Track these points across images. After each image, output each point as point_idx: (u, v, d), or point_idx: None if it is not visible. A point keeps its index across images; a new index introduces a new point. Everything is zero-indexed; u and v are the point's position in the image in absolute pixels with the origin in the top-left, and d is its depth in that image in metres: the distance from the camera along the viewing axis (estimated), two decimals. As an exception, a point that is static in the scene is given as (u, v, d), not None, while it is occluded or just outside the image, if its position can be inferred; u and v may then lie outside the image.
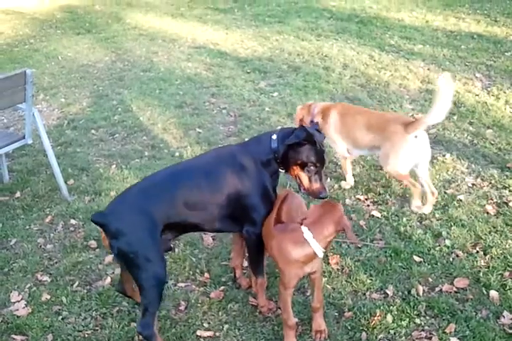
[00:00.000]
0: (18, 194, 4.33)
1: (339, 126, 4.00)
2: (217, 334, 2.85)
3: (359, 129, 3.88)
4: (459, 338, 2.70)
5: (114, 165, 4.77)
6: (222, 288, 3.18)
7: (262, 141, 2.87)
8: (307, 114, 4.17)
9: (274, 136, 2.83)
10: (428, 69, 6.86)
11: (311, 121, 4.01)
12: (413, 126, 3.56)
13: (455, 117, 5.37)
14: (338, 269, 3.27)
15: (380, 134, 3.73)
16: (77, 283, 3.29)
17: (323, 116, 4.06)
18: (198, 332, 2.86)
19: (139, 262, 2.54)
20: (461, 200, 3.91)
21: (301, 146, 2.75)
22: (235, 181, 2.75)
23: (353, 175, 4.27)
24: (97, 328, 2.94)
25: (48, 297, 3.18)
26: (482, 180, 4.21)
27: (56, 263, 3.50)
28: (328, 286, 3.12)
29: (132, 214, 2.59)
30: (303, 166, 2.79)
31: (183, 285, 3.24)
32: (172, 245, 3.06)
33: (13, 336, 2.91)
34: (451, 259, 3.30)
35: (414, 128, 3.56)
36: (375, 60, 7.30)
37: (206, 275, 3.30)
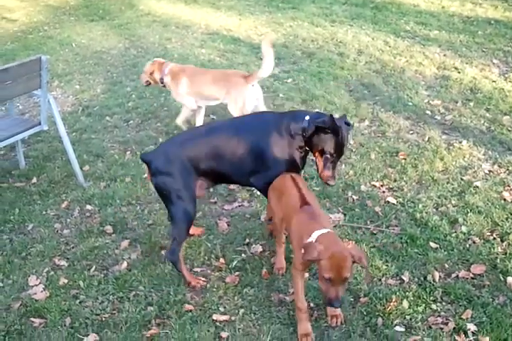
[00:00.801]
0: (34, 180, 4.36)
1: (189, 85, 4.70)
2: (232, 318, 2.87)
3: (206, 85, 4.63)
4: (475, 324, 2.68)
5: (128, 152, 4.79)
6: (237, 273, 3.19)
7: (297, 117, 3.09)
8: (158, 71, 4.79)
9: (307, 117, 3.02)
10: (444, 55, 6.77)
11: (161, 79, 4.76)
12: (250, 77, 4.45)
13: (471, 104, 5.31)
14: (353, 255, 3.26)
15: (226, 85, 4.53)
16: (94, 268, 3.32)
17: (173, 77, 4.74)
18: (214, 316, 2.87)
19: (172, 199, 3.00)
20: (477, 187, 3.88)
21: (325, 134, 2.94)
22: (263, 140, 3.04)
23: (369, 159, 4.27)
24: (114, 312, 2.97)
25: (66, 281, 3.21)
26: (499, 166, 4.17)
27: (73, 248, 3.53)
28: (343, 272, 3.12)
29: (171, 158, 3.01)
30: (322, 152, 2.98)
31: (198, 270, 3.25)
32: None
33: (32, 319, 2.95)
34: (467, 246, 3.28)
35: (251, 80, 4.44)
36: (390, 46, 7.22)
37: (221, 260, 3.31)
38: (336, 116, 3.08)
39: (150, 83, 4.95)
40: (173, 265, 3.12)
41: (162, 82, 4.81)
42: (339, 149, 2.98)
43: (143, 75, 4.96)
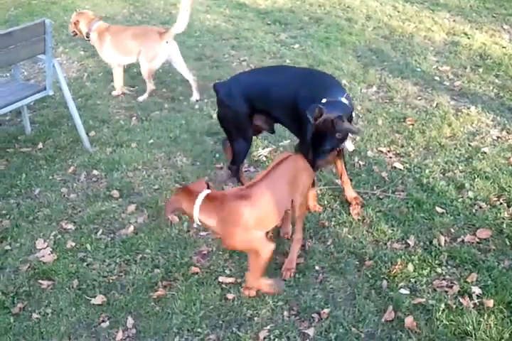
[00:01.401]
0: (40, 145, 4.36)
1: (112, 42, 4.93)
2: (238, 280, 2.89)
3: (126, 41, 4.87)
4: (480, 287, 2.70)
5: (134, 117, 4.76)
6: (243, 237, 3.20)
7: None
8: (86, 25, 5.01)
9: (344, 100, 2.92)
10: (454, 20, 6.65)
11: (87, 33, 5.01)
12: (165, 34, 4.77)
13: (481, 70, 5.24)
14: (359, 219, 3.27)
15: (144, 41, 4.81)
16: (100, 231, 3.34)
17: (100, 35, 4.97)
18: (220, 279, 2.90)
19: (229, 130, 3.38)
20: (485, 153, 3.86)
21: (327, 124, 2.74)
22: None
23: (376, 125, 4.25)
24: (121, 274, 3.00)
25: (73, 244, 3.24)
26: (507, 132, 4.14)
27: (80, 212, 3.55)
28: (349, 236, 3.14)
29: (233, 92, 3.24)
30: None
31: (204, 233, 3.26)
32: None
33: (40, 281, 2.99)
34: (474, 211, 3.28)
35: (166, 36, 4.77)
36: (398, 11, 7.09)
37: (227, 224, 3.32)
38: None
39: (76, 34, 5.20)
40: (233, 173, 3.50)
41: (88, 37, 5.05)
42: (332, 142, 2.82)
43: (70, 25, 5.19)
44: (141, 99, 5.09)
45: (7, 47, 3.66)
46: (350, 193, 3.38)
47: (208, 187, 2.60)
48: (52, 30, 3.88)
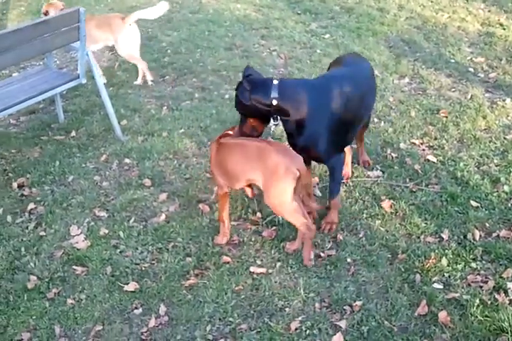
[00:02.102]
0: (73, 133, 4.41)
1: None
2: (269, 271, 2.89)
3: (94, 30, 4.95)
4: (516, 283, 2.66)
5: (165, 107, 4.78)
6: (274, 227, 3.20)
7: None
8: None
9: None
10: (489, 11, 6.51)
11: None
12: (127, 18, 5.02)
13: (517, 61, 5.12)
14: (391, 212, 3.24)
15: (110, 27, 5.03)
16: (133, 219, 3.37)
17: None
18: (251, 269, 2.90)
19: None
20: (521, 146, 3.78)
21: None
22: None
23: (409, 117, 4.20)
24: (153, 262, 3.03)
25: (106, 231, 3.28)
26: (544, 126, 4.05)
27: (112, 199, 3.59)
28: (381, 228, 3.11)
29: None
30: None
31: (235, 223, 3.27)
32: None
33: (74, 267, 3.03)
34: (509, 205, 3.22)
35: (128, 20, 5.01)
36: (432, 1, 6.96)
37: (258, 214, 3.32)
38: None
39: None
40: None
41: None
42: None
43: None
44: (138, 81, 5.32)
45: (43, 35, 3.69)
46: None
47: None
48: (85, 18, 3.90)
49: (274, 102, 2.82)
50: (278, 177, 2.67)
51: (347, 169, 3.50)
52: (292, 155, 2.76)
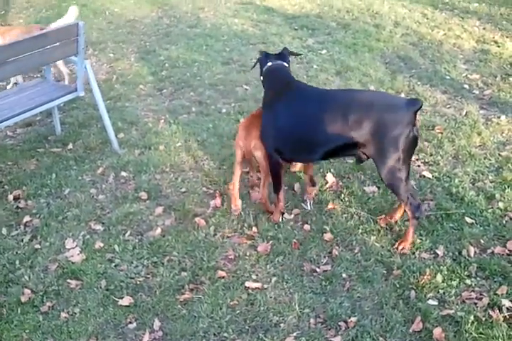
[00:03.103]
0: (70, 146, 4.42)
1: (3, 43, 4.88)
2: (265, 286, 2.89)
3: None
4: (510, 300, 2.65)
5: (162, 120, 4.80)
6: (269, 242, 3.21)
7: None
8: None
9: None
10: (484, 28, 6.59)
11: None
12: (47, 28, 4.77)
13: (511, 78, 5.17)
14: (387, 228, 3.24)
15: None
16: (128, 233, 3.37)
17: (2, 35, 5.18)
18: (247, 284, 2.90)
19: None
20: (516, 163, 3.81)
21: None
22: None
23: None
24: (148, 276, 3.02)
25: (101, 245, 3.27)
26: (539, 143, 4.08)
27: (108, 213, 3.58)
28: (376, 244, 3.12)
29: None
30: None
31: (231, 238, 3.27)
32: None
33: (68, 280, 3.02)
34: (504, 222, 3.23)
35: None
36: (427, 18, 7.04)
37: (254, 229, 3.32)
38: None
39: None
40: None
41: None
42: None
43: None
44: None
45: (42, 47, 3.71)
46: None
47: None
48: (84, 32, 3.93)
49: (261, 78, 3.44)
50: None
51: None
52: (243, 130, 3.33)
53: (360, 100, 2.98)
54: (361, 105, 2.92)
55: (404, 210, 3.10)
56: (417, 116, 2.88)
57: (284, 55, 3.48)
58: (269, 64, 3.37)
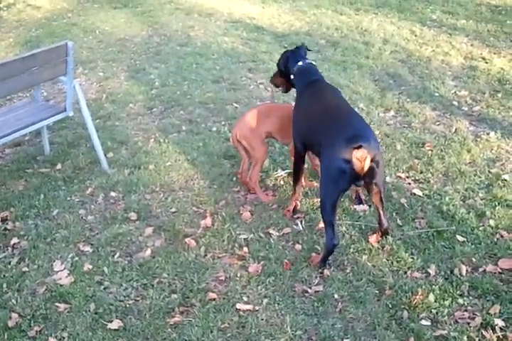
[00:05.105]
0: (59, 166, 4.38)
1: None
2: (256, 307, 2.86)
3: None
4: (503, 319, 2.64)
5: (152, 139, 4.78)
6: (260, 262, 3.18)
7: None
8: None
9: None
10: (471, 45, 6.65)
11: None
12: None
13: (499, 95, 5.22)
14: (378, 247, 3.23)
15: None
16: (118, 254, 3.33)
17: None
18: (238, 306, 2.86)
19: None
20: (505, 180, 3.81)
21: None
22: None
23: (395, 150, 4.23)
24: (138, 298, 2.98)
25: (90, 267, 3.23)
26: (528, 159, 4.09)
27: (97, 234, 3.55)
28: (368, 264, 3.10)
29: None
30: None
31: (221, 258, 3.24)
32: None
33: (56, 304, 2.97)
34: (495, 240, 3.23)
35: None
36: (416, 35, 7.11)
37: (245, 249, 3.30)
38: None
39: None
40: None
41: None
42: None
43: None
44: None
45: (31, 68, 3.70)
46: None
47: None
48: (73, 51, 3.92)
49: (292, 77, 3.59)
50: None
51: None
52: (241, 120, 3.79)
53: (331, 114, 3.13)
54: (328, 119, 3.11)
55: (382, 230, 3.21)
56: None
57: (303, 49, 3.72)
58: (300, 63, 3.55)
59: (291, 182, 3.63)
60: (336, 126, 2.99)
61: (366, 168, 2.79)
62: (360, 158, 2.76)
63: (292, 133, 3.48)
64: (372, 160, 2.79)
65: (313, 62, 3.63)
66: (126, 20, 8.87)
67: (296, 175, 3.55)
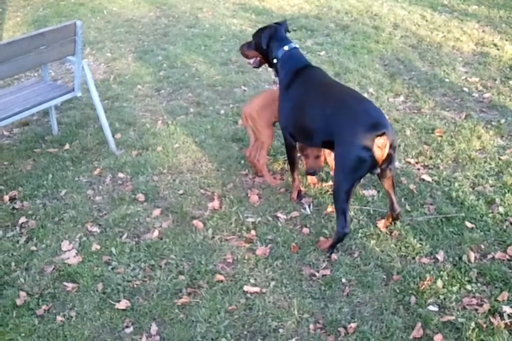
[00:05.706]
0: (67, 146, 4.37)
1: None
2: (263, 290, 2.86)
3: None
4: (511, 307, 2.64)
5: (160, 121, 4.76)
6: (268, 245, 3.18)
7: None
8: None
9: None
10: (483, 31, 6.56)
11: None
12: None
13: (511, 82, 5.16)
14: (386, 232, 3.22)
15: None
16: (125, 235, 3.33)
17: None
18: (245, 288, 2.87)
19: None
20: (516, 167, 3.79)
21: None
22: None
23: (404, 135, 4.20)
24: (145, 279, 2.99)
25: (98, 247, 3.23)
26: (539, 147, 4.06)
27: (105, 214, 3.55)
28: (376, 248, 3.09)
29: None
30: None
31: (229, 241, 3.24)
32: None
33: (64, 283, 2.98)
34: (504, 227, 3.21)
35: None
36: (427, 21, 7.01)
37: (252, 232, 3.30)
38: None
39: None
40: None
41: None
42: None
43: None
44: None
45: (39, 47, 3.67)
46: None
47: None
48: (82, 31, 3.89)
49: (275, 61, 3.41)
50: None
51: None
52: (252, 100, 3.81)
53: (341, 101, 3.00)
54: (339, 106, 2.96)
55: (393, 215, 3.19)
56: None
57: (284, 27, 3.59)
58: (286, 48, 3.37)
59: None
60: (349, 114, 2.89)
61: (385, 155, 2.77)
62: (382, 146, 2.72)
63: (280, 124, 3.45)
64: (390, 147, 2.77)
65: (298, 46, 3.44)
66: (135, 0, 8.76)
67: (292, 164, 3.53)
